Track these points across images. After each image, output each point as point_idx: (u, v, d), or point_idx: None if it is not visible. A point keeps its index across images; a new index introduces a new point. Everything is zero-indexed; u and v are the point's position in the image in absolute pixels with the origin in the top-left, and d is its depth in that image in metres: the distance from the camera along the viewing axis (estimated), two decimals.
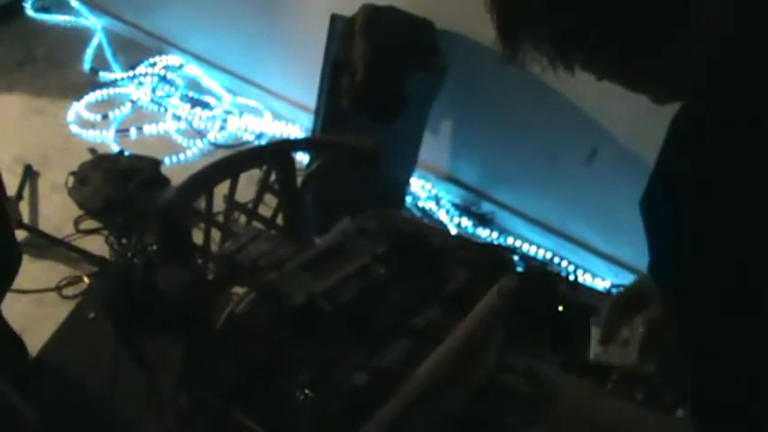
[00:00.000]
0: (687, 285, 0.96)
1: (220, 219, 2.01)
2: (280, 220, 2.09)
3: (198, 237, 1.97)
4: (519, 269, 1.87)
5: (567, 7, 0.95)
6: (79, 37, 4.54)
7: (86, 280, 3.03)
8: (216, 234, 1.99)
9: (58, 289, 2.99)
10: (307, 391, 1.48)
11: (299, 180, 2.11)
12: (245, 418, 1.49)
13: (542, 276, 1.86)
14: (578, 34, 0.97)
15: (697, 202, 0.91)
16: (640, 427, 1.22)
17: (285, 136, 3.97)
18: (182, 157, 3.80)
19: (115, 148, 3.79)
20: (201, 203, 1.98)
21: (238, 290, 1.74)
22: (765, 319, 0.89)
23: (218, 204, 2.00)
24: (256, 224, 2.04)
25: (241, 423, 1.49)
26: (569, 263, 3.33)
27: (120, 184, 3.32)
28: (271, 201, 2.12)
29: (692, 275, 0.94)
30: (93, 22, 4.65)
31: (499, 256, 1.89)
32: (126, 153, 3.67)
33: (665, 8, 0.93)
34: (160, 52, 4.43)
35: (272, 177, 2.04)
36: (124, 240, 3.11)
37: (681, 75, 1.01)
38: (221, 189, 1.98)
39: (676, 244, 0.95)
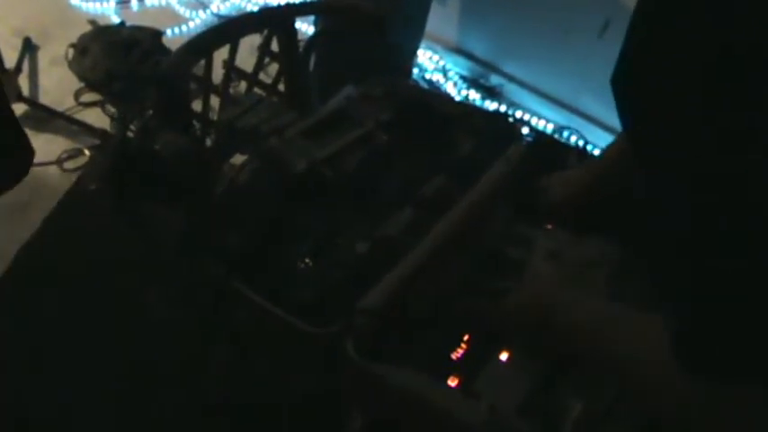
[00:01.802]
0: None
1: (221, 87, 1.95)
2: (282, 87, 2.03)
3: (198, 106, 1.93)
4: (527, 139, 1.82)
5: None
6: None
7: (87, 153, 2.99)
8: (216, 102, 1.94)
9: (60, 162, 2.96)
10: (308, 260, 1.45)
11: (302, 46, 2.04)
12: (246, 287, 1.46)
13: (551, 146, 1.82)
14: None
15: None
16: (608, 325, 1.17)
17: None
18: (184, 28, 3.72)
19: (116, 20, 3.71)
20: (201, 72, 1.92)
21: (239, 159, 1.70)
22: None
23: (220, 74, 1.94)
24: (258, 91, 1.98)
25: (242, 293, 1.47)
26: (578, 137, 3.27)
27: (120, 56, 3.25)
28: (274, 70, 2.06)
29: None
30: None
31: (508, 125, 1.84)
32: (127, 25, 3.58)
33: None
34: None
35: (274, 43, 1.97)
36: (122, 109, 3.06)
37: None
38: (222, 56, 1.92)
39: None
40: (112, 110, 3.16)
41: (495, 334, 1.40)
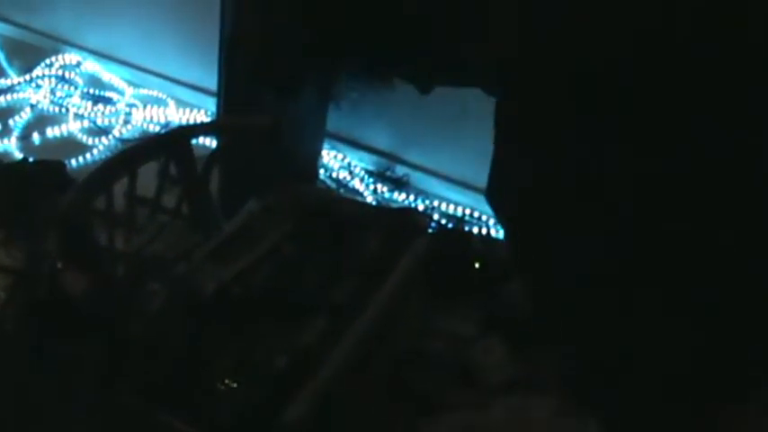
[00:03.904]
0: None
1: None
2: (185, 210, 2.04)
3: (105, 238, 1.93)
4: (431, 231, 1.86)
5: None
6: None
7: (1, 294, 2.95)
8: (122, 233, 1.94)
9: None
10: (228, 381, 1.45)
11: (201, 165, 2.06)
12: (169, 416, 1.46)
13: (454, 236, 1.87)
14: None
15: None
16: None
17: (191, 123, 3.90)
18: (88, 156, 3.71)
19: (19, 156, 3.68)
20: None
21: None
22: None
23: (122, 201, 1.95)
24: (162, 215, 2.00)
25: (165, 422, 1.46)
26: (488, 217, 3.32)
27: (24, 193, 3.23)
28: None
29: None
30: None
31: (411, 219, 1.88)
32: (30, 160, 3.57)
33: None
34: (56, 52, 4.31)
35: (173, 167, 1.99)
36: (29, 248, 3.03)
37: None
38: (124, 184, 1.93)
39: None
40: (15, 251, 3.12)
41: None
